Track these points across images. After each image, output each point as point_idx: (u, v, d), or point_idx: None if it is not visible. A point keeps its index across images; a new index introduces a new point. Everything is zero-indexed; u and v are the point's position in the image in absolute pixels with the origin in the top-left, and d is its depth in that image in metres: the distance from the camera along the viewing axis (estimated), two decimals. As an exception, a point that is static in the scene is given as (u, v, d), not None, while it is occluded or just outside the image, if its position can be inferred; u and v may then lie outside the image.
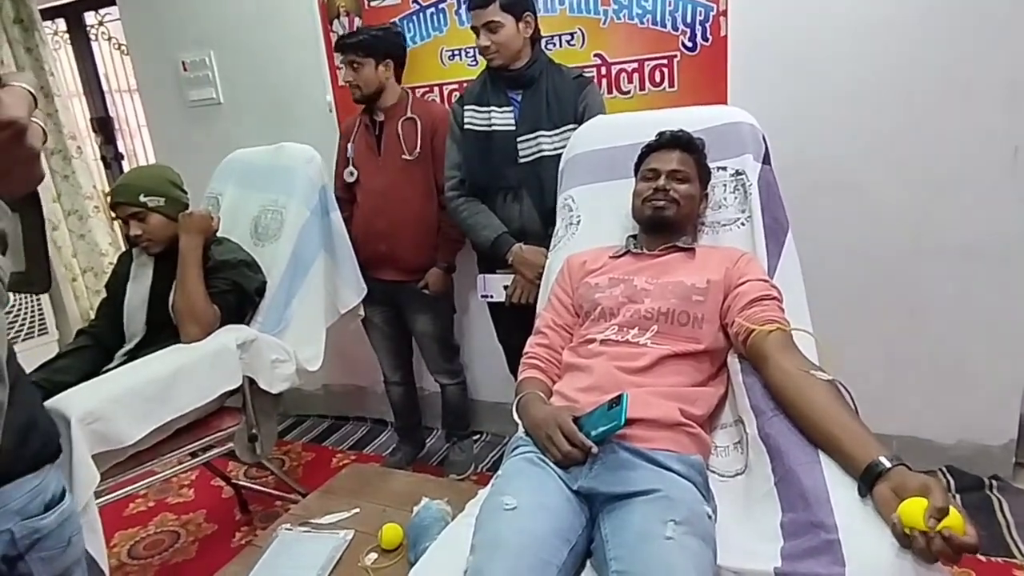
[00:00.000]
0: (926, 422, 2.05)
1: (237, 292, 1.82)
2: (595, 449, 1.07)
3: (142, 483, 1.70)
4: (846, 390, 1.05)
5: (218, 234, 1.90)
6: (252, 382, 1.81)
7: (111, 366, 1.76)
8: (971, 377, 1.96)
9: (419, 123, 2.11)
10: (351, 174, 2.20)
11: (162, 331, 1.79)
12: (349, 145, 2.24)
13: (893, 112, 1.87)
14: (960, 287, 1.92)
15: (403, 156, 2.11)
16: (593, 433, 1.08)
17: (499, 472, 1.13)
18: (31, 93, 0.60)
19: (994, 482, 1.99)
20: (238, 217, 2.09)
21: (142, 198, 1.77)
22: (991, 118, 1.78)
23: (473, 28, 1.83)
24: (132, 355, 1.78)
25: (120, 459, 1.55)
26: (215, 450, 1.84)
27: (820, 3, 1.86)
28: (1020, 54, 1.71)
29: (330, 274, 2.07)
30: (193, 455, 1.82)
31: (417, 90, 2.36)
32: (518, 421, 1.26)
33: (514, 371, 2.12)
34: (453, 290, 2.36)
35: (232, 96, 2.74)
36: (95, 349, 1.83)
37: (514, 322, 1.98)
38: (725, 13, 1.94)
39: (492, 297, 1.97)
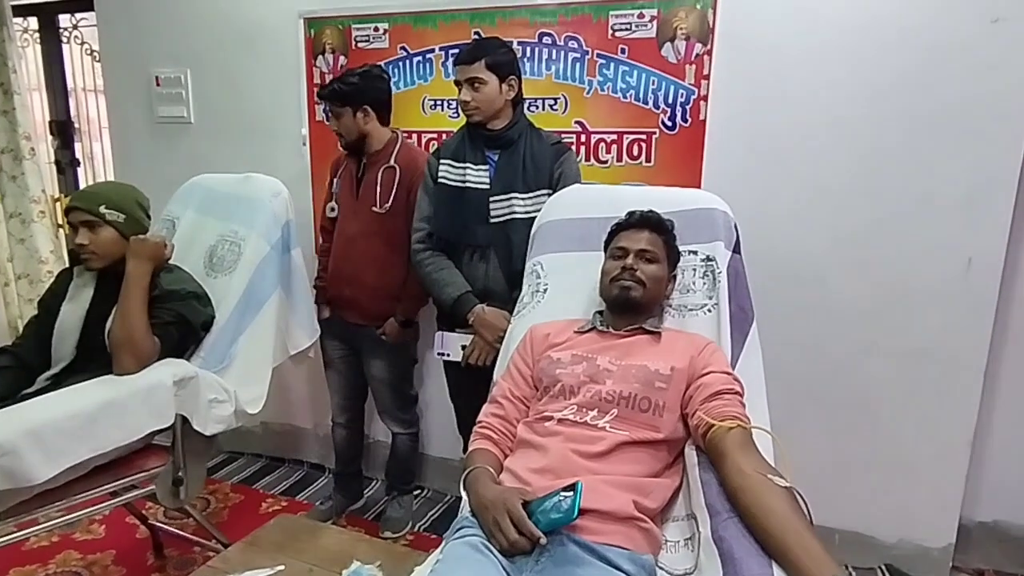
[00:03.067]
0: (870, 519, 2.05)
1: (181, 325, 1.73)
2: (543, 540, 1.01)
3: (46, 525, 1.55)
4: (802, 499, 1.03)
5: (169, 261, 1.82)
6: (185, 421, 1.70)
7: (31, 391, 1.64)
8: (915, 478, 1.98)
9: (398, 173, 2.07)
10: (332, 209, 2.18)
11: (93, 358, 1.68)
12: (336, 180, 2.21)
13: (856, 214, 1.92)
14: (910, 388, 1.95)
15: (373, 208, 2.08)
16: (543, 522, 1.03)
17: (440, 556, 1.06)
18: None
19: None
20: (194, 244, 2.00)
21: (102, 208, 1.70)
22: (948, 227, 1.84)
23: (456, 82, 1.82)
24: (56, 381, 1.67)
25: (25, 497, 1.43)
26: (135, 491, 1.71)
27: (797, 100, 1.91)
28: (977, 170, 1.79)
29: (284, 313, 1.99)
30: (112, 494, 1.68)
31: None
32: (464, 496, 1.20)
33: (463, 432, 2.08)
34: (416, 341, 2.30)
35: (203, 117, 2.67)
36: (15, 371, 1.70)
37: (468, 384, 1.93)
38: (706, 98, 1.98)
39: (448, 356, 1.91)
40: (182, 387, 1.66)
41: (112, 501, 1.69)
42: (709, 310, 1.46)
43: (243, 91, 2.57)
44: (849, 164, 1.90)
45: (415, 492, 2.50)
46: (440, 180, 1.88)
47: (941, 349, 1.90)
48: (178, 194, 2.17)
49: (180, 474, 1.74)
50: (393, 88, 2.31)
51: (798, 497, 1.02)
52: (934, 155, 1.82)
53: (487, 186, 1.84)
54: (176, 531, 2.19)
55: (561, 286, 1.60)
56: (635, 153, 2.09)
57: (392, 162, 2.08)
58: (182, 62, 2.65)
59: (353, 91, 2.04)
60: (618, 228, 1.45)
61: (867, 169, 1.89)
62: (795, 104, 1.92)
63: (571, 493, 1.02)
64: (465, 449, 2.10)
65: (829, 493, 1.86)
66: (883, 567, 2.05)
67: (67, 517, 1.60)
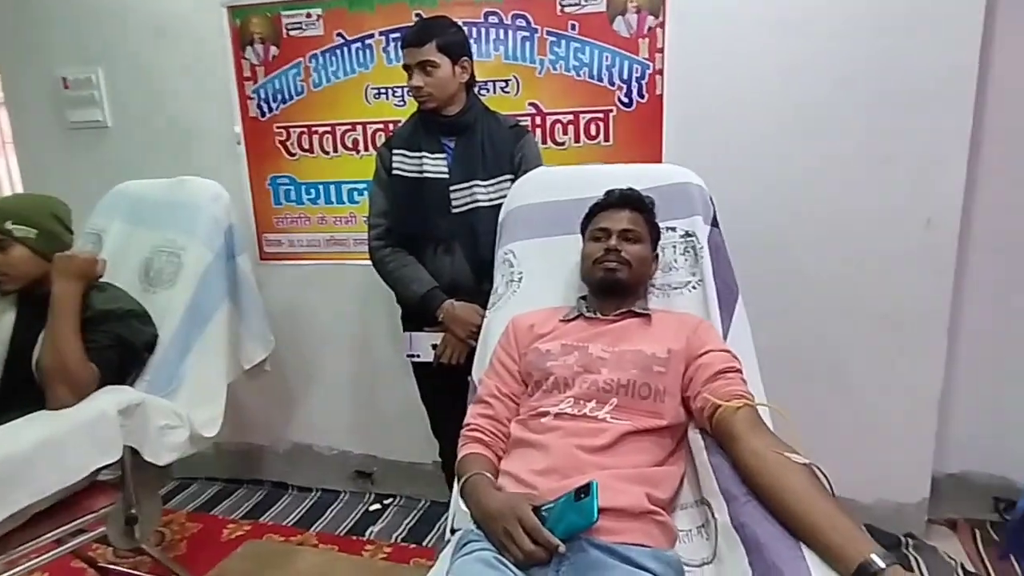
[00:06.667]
0: (848, 481, 2.01)
1: (121, 348, 1.56)
2: (562, 548, 0.94)
3: (-18, 586, 1.38)
4: (823, 474, 0.99)
5: (101, 279, 1.64)
6: (134, 452, 1.54)
7: (-50, 436, 1.45)
8: (888, 438, 2.01)
9: None
10: None
11: (20, 393, 1.50)
12: None
13: (818, 181, 1.92)
14: (879, 350, 1.97)
15: None
16: (560, 528, 0.95)
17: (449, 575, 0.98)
18: None
19: (910, 540, 2.03)
20: (125, 258, 1.82)
21: (8, 224, 1.52)
22: (906, 190, 1.86)
23: (405, 67, 1.70)
24: (-21, 422, 1.48)
25: (-45, 558, 1.25)
26: (84, 536, 1.54)
27: (753, 70, 1.89)
28: (933, 131, 1.81)
29: (234, 325, 1.84)
30: (57, 541, 1.51)
31: (338, 128, 2.21)
32: (464, 509, 1.11)
33: (438, 435, 1.98)
34: None
35: (122, 120, 2.45)
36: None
37: (441, 384, 1.83)
38: (661, 72, 1.94)
39: (419, 357, 1.80)
40: (128, 416, 1.50)
41: (58, 549, 1.52)
42: (694, 287, 1.41)
43: (165, 89, 2.37)
44: (808, 132, 1.90)
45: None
46: (395, 172, 1.77)
47: (906, 310, 1.92)
48: (102, 204, 1.98)
49: (133, 511, 1.58)
50: (332, 78, 2.19)
51: (818, 473, 0.99)
52: (891, 120, 1.83)
53: (446, 175, 1.74)
54: (130, 571, 2.02)
55: (537, 273, 1.52)
56: (593, 132, 2.03)
57: None
58: (92, 61, 2.42)
59: None
60: (597, 208, 1.39)
61: (826, 137, 1.89)
62: (751, 74, 1.90)
63: (587, 493, 0.95)
64: (441, 452, 2.01)
65: (809, 459, 1.87)
66: (863, 527, 2.07)
67: (7, 573, 1.43)
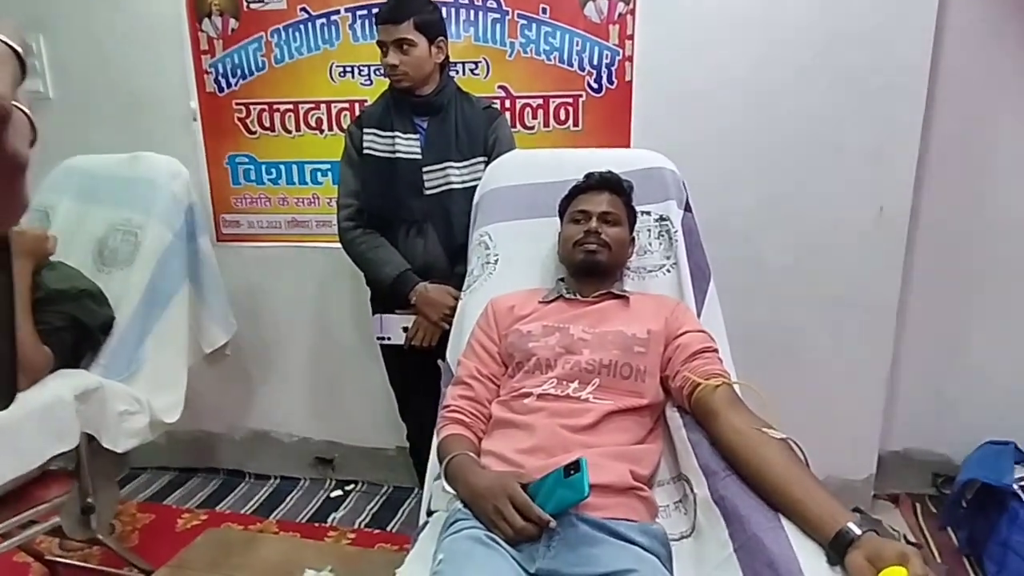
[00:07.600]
0: None
1: (75, 329, 1.49)
2: (553, 523, 0.95)
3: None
4: (799, 448, 1.03)
5: (51, 258, 1.56)
6: (91, 439, 1.48)
7: None
8: (840, 417, 2.10)
9: None
10: None
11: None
12: None
13: (777, 171, 1.98)
14: (832, 333, 2.06)
15: None
16: (550, 504, 0.96)
17: (440, 556, 0.97)
18: (16, 54, 0.37)
19: (857, 514, 2.14)
20: (76, 236, 1.74)
21: None
22: (859, 178, 1.94)
23: (380, 43, 1.67)
24: (-80, 409, 1.38)
25: (-100, 552, 1.18)
26: (35, 527, 1.47)
27: (719, 60, 1.93)
28: (885, 120, 1.89)
29: (195, 308, 1.78)
30: (3, 535, 1.44)
31: (300, 106, 2.15)
32: (450, 490, 1.11)
33: (407, 419, 1.97)
34: None
35: (66, 92, 2.32)
36: None
37: (410, 367, 1.82)
38: (631, 59, 1.96)
39: (390, 339, 1.78)
40: (85, 401, 1.44)
41: (7, 542, 1.44)
42: (668, 270, 1.44)
43: (114, 60, 2.25)
44: (769, 123, 1.95)
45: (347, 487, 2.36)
46: (366, 151, 1.73)
47: (858, 294, 2.01)
48: (49, 180, 1.88)
49: (90, 500, 1.52)
50: (295, 54, 2.13)
51: (794, 447, 1.03)
52: (845, 111, 1.91)
53: (419, 156, 1.71)
54: (79, 564, 1.94)
55: (513, 256, 1.52)
56: (563, 117, 2.04)
57: None
58: (32, 26, 2.27)
59: None
60: (576, 191, 1.39)
61: (786, 127, 1.95)
62: (717, 64, 1.93)
63: (576, 470, 0.96)
64: (408, 436, 2.00)
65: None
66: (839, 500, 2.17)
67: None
